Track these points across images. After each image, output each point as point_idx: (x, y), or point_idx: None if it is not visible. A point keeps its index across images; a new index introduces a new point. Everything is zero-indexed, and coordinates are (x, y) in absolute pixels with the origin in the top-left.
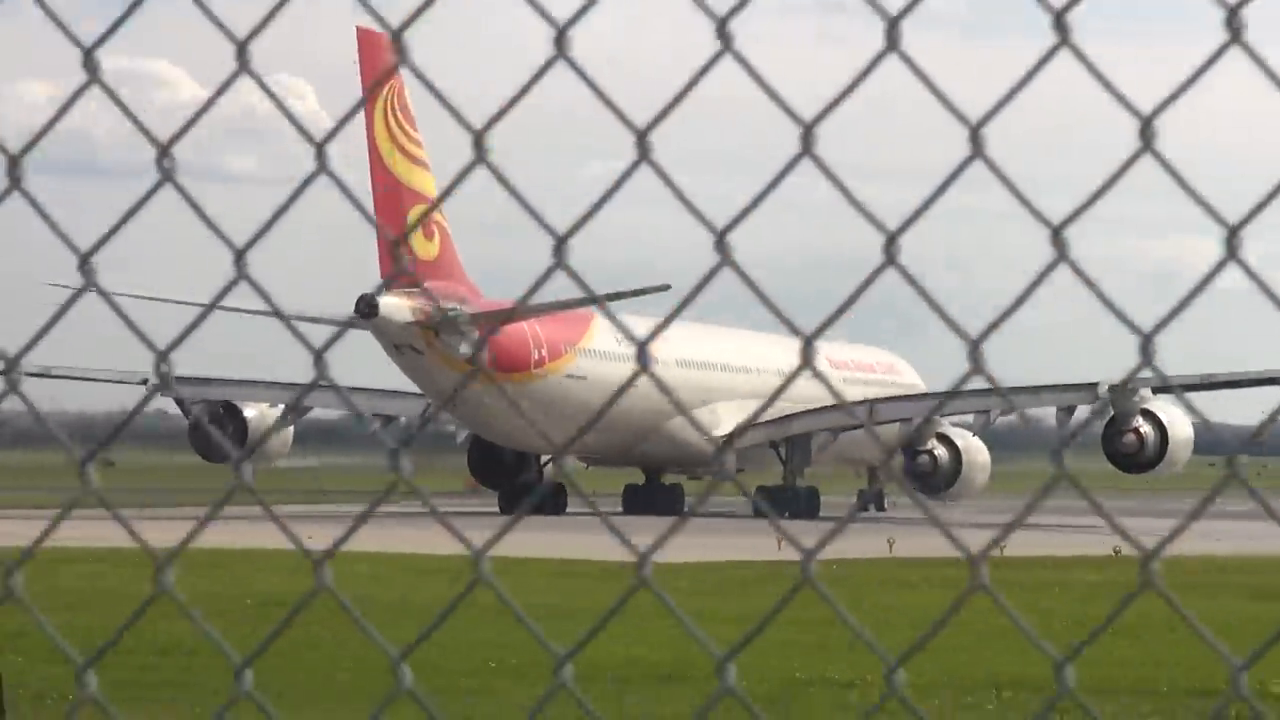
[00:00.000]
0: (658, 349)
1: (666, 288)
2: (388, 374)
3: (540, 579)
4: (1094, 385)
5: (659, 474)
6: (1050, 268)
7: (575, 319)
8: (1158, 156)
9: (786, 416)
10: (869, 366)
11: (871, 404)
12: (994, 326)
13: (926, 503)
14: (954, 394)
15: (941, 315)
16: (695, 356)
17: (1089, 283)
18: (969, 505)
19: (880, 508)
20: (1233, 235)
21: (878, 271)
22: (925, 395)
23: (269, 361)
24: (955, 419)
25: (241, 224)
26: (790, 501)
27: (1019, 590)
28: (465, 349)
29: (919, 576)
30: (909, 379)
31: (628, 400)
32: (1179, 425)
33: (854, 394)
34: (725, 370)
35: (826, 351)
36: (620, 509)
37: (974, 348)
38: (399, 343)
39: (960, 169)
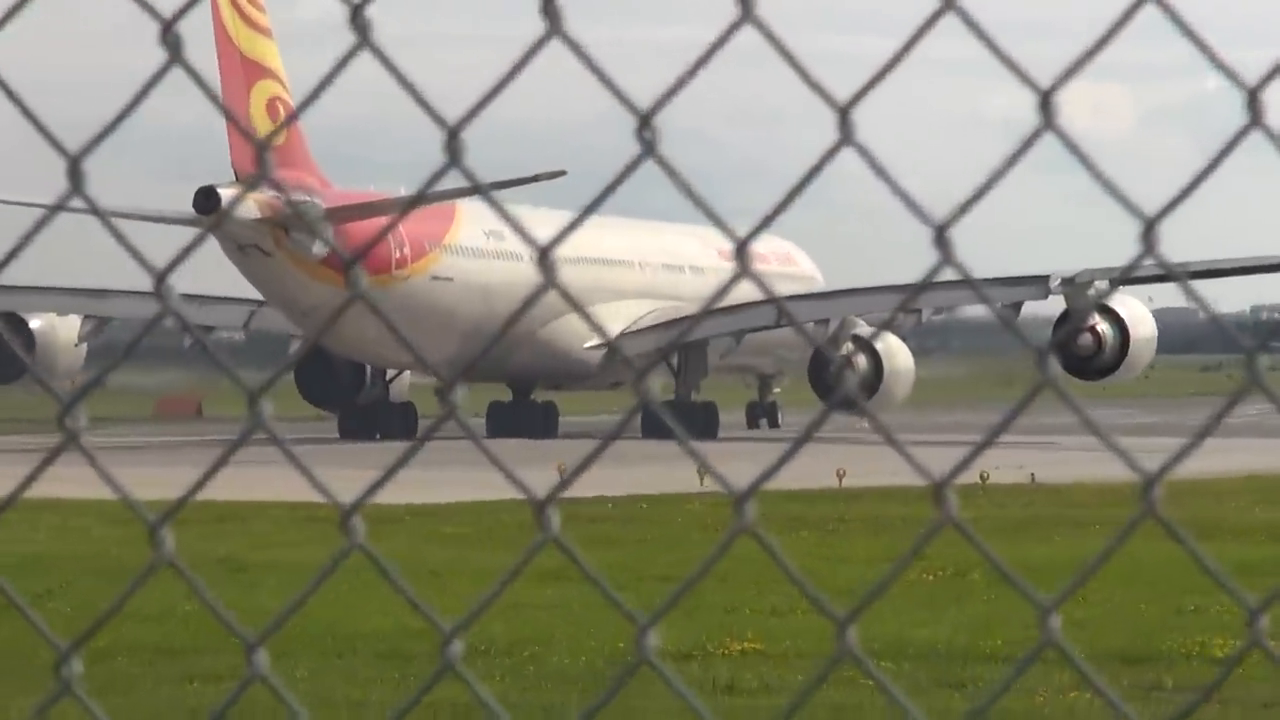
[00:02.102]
0: (525, 245)
1: (561, 174)
2: (213, 278)
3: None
4: (1044, 278)
5: (528, 390)
6: (1035, 136)
7: (438, 212)
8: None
9: (679, 319)
10: (763, 257)
11: (781, 300)
12: (965, 208)
13: (887, 428)
14: (877, 290)
15: (903, 197)
16: (572, 250)
17: (1081, 156)
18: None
19: (774, 423)
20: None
21: (832, 152)
22: (839, 292)
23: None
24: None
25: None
26: (684, 420)
27: (863, 529)
28: (318, 249)
29: (813, 512)
30: (806, 269)
31: (495, 306)
32: (1142, 322)
33: (749, 290)
34: (607, 265)
35: (716, 241)
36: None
37: (939, 234)
38: (244, 243)
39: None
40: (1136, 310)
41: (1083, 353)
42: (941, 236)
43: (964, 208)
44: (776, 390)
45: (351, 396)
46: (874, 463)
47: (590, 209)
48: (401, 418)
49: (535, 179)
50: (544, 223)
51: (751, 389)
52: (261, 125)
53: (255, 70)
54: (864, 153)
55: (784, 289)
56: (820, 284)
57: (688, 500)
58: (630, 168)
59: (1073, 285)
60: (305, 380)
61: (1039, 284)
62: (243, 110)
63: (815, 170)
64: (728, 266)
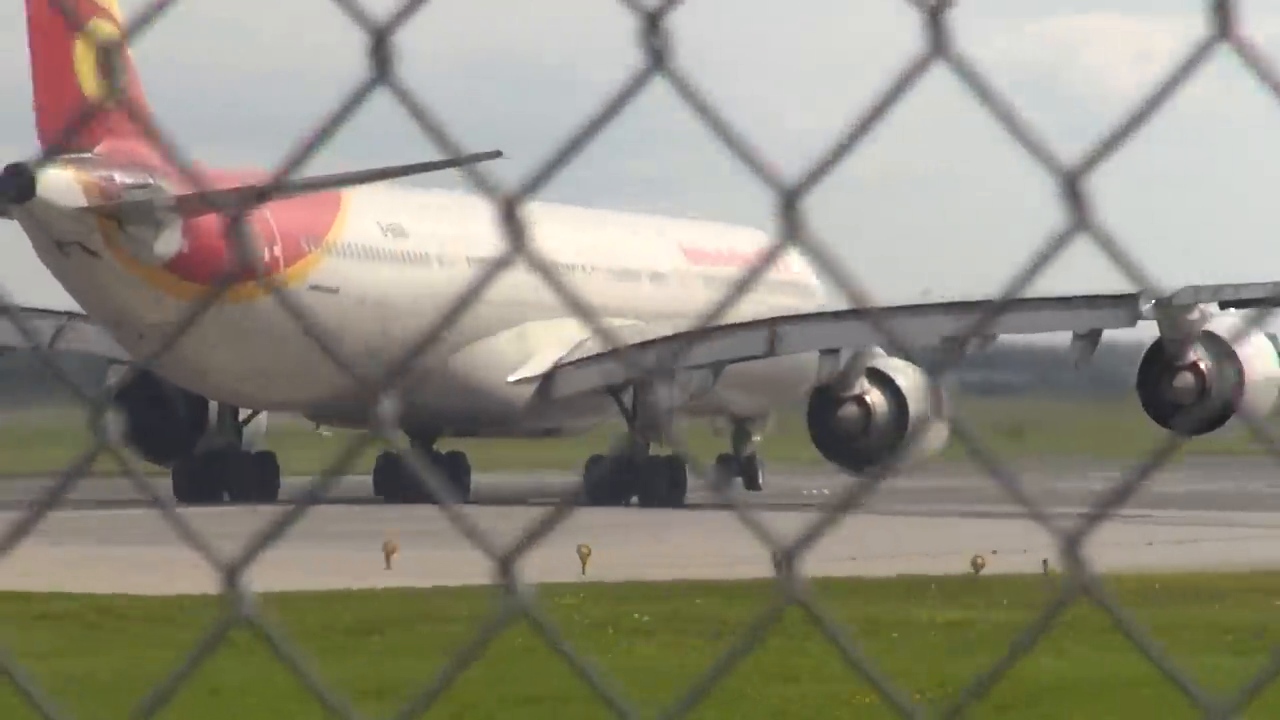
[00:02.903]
0: (444, 245)
1: (496, 155)
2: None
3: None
4: (1133, 297)
5: (431, 437)
6: None
7: (320, 202)
8: None
9: (636, 345)
10: (744, 258)
11: (774, 323)
12: (1109, 146)
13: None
14: (915, 309)
15: (1021, 137)
16: (486, 250)
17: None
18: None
19: (752, 484)
20: None
21: (921, 65)
22: (855, 311)
23: None
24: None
25: None
26: (641, 479)
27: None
28: (164, 247)
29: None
30: (801, 277)
31: (394, 326)
32: (1259, 356)
33: (738, 309)
34: (534, 270)
35: (679, 235)
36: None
37: (1070, 185)
38: (63, 239)
39: None
40: (1251, 343)
41: (1181, 398)
42: (1073, 190)
43: (1106, 146)
44: (756, 439)
45: (189, 443)
46: (882, 543)
47: (572, 149)
48: (257, 472)
49: (471, 160)
50: (537, 216)
51: (723, 437)
52: (90, 83)
53: (84, 7)
54: (962, 67)
55: (779, 301)
56: (816, 291)
57: (560, 592)
58: (636, 84)
59: (1170, 308)
60: (137, 422)
61: (1125, 305)
62: (65, 62)
63: (899, 88)
64: (696, 270)
